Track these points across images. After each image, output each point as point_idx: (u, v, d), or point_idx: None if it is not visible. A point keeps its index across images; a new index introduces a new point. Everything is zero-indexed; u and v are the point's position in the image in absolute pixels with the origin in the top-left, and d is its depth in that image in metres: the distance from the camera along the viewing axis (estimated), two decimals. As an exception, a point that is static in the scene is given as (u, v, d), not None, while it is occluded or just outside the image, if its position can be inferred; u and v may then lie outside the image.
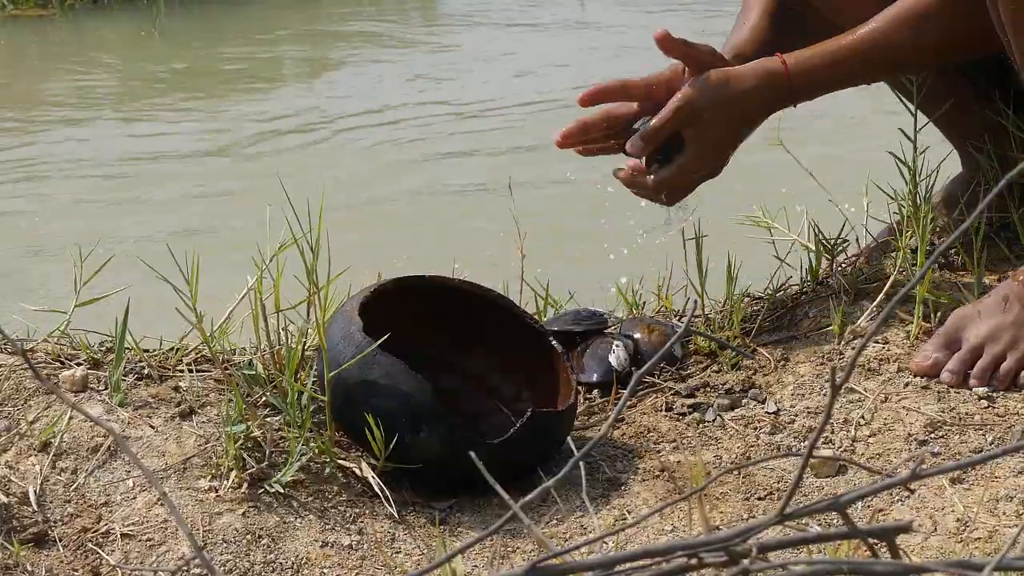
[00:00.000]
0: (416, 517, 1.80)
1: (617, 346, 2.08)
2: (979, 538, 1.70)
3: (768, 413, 1.95)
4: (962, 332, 1.96)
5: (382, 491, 1.79)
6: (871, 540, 1.04)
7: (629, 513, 1.79)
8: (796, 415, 1.94)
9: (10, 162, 4.17)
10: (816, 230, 2.24)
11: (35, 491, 1.75)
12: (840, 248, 2.25)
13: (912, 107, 2.12)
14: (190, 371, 1.95)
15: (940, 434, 1.87)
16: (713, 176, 2.06)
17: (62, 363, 1.95)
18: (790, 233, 2.26)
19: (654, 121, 2.01)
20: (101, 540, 1.71)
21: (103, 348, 1.99)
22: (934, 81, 2.15)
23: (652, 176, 2.04)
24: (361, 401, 1.78)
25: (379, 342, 1.78)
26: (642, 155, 2.04)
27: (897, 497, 1.77)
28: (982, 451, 1.83)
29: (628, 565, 1.02)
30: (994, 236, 2.21)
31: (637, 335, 2.13)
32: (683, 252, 2.21)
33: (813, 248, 2.23)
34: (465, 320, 2.00)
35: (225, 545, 1.70)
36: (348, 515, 1.78)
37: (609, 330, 2.16)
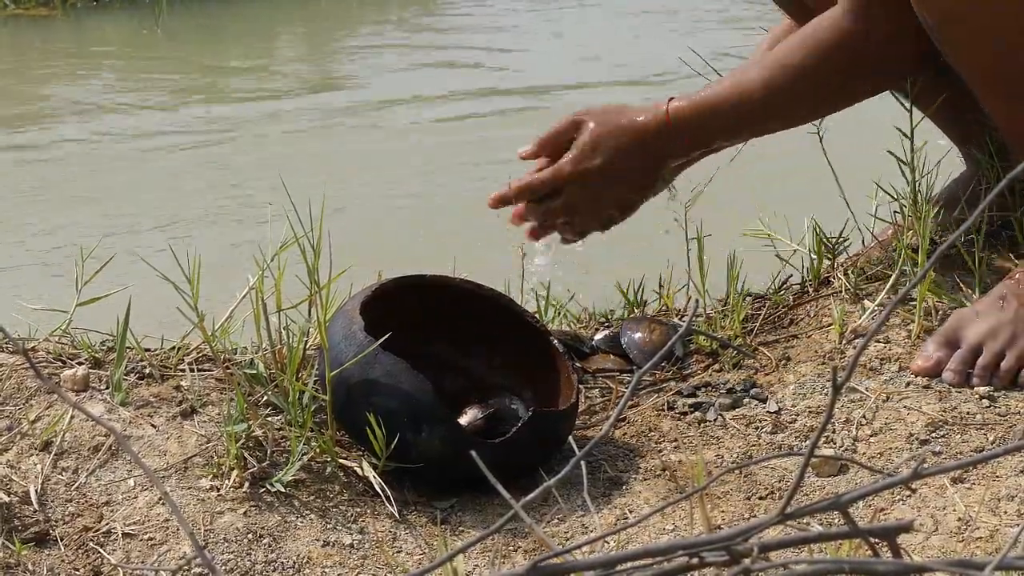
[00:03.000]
0: (417, 516, 1.80)
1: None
2: (980, 537, 1.70)
3: (769, 412, 1.95)
4: (961, 331, 1.97)
5: (383, 490, 1.79)
6: (872, 539, 1.04)
7: (630, 512, 1.79)
8: (797, 414, 1.94)
9: (11, 160, 4.17)
10: (817, 229, 2.24)
11: (36, 490, 1.75)
12: (841, 247, 2.25)
13: (907, 103, 2.12)
14: (191, 370, 1.95)
15: (941, 433, 1.87)
16: (603, 228, 2.12)
17: (63, 362, 1.95)
18: (791, 243, 2.25)
19: (533, 178, 2.08)
20: (102, 539, 1.71)
21: (104, 347, 1.99)
22: (932, 79, 2.15)
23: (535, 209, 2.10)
24: (362, 400, 1.78)
25: (380, 341, 1.78)
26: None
27: (898, 496, 1.77)
28: (983, 450, 1.83)
29: (629, 564, 1.02)
30: (995, 235, 2.21)
31: (638, 334, 2.14)
32: (684, 251, 2.22)
33: (815, 251, 2.23)
34: (465, 320, 2.00)
35: (226, 544, 1.70)
36: (349, 514, 1.78)
37: (604, 333, 2.16)
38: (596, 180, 2.05)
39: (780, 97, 2.04)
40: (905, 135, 2.13)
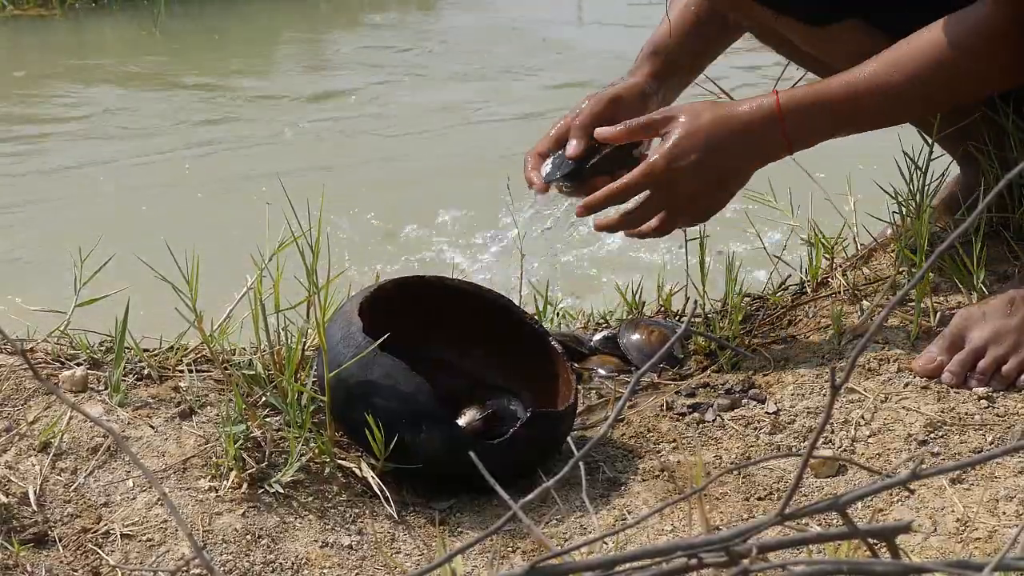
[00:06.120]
0: (416, 517, 1.80)
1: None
2: (979, 538, 1.70)
3: (768, 413, 1.95)
4: (966, 333, 1.96)
5: (382, 491, 1.79)
6: (871, 540, 1.04)
7: (629, 513, 1.79)
8: (796, 415, 1.94)
9: (10, 161, 4.17)
10: (816, 230, 2.24)
11: (35, 491, 1.74)
12: (840, 248, 2.25)
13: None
14: (190, 371, 1.95)
15: (940, 434, 1.87)
16: (692, 224, 2.07)
17: (62, 363, 1.95)
18: (793, 219, 2.25)
19: (624, 179, 2.01)
20: (101, 540, 1.71)
21: (103, 348, 1.99)
22: None
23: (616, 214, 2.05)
24: (361, 401, 1.78)
25: (379, 342, 1.78)
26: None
27: (897, 497, 1.77)
28: (982, 451, 1.83)
29: (628, 565, 1.02)
30: (994, 236, 2.21)
31: (637, 336, 2.14)
32: (684, 253, 2.21)
33: (813, 243, 2.23)
34: (465, 320, 2.00)
35: (225, 545, 1.70)
36: (348, 515, 1.78)
37: (602, 334, 2.16)
38: (691, 176, 1.99)
39: (903, 87, 1.96)
40: (926, 140, 2.13)
